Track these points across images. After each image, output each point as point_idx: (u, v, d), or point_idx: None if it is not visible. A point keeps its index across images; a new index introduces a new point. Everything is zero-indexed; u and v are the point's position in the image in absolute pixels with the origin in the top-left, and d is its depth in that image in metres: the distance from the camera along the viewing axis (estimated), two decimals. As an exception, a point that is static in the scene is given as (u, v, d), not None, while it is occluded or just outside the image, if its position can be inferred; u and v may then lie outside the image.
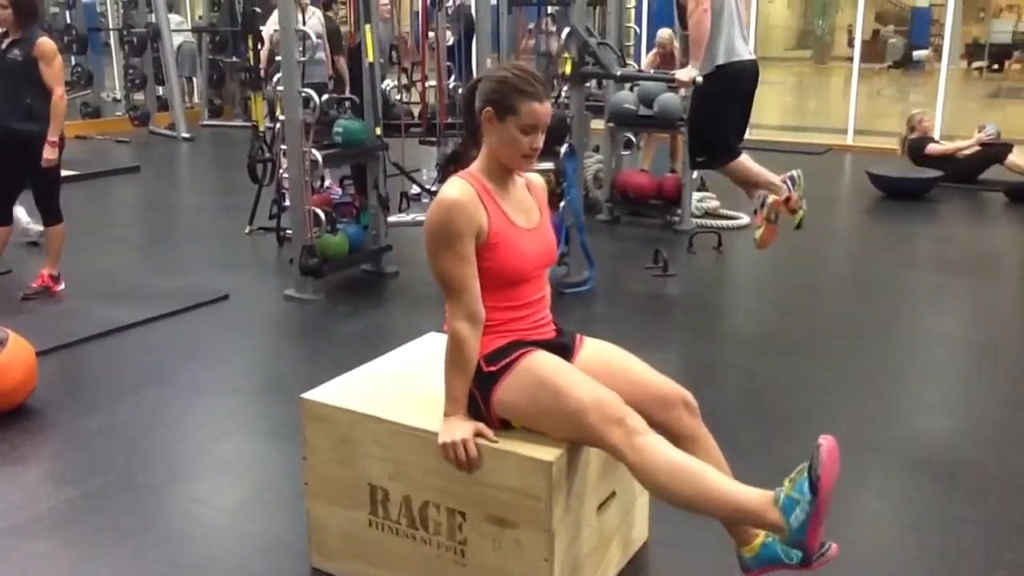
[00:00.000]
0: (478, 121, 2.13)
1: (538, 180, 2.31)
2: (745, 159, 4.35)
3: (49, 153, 4.48)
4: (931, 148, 7.71)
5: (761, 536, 2.14)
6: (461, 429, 2.06)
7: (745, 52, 4.37)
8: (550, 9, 6.18)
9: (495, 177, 2.14)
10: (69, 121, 9.78)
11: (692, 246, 5.81)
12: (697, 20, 4.15)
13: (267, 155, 6.12)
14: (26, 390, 3.42)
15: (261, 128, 6.19)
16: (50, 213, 4.75)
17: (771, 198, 4.18)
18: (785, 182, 4.19)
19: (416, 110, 6.09)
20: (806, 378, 3.78)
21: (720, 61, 4.30)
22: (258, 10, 6.62)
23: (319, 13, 6.81)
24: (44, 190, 4.71)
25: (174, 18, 12.41)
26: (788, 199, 4.18)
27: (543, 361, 2.09)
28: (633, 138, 7.07)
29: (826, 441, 1.93)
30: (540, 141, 2.09)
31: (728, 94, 4.37)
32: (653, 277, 5.21)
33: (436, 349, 2.30)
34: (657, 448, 1.97)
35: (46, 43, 4.48)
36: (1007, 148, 7.56)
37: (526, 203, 2.21)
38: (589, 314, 4.64)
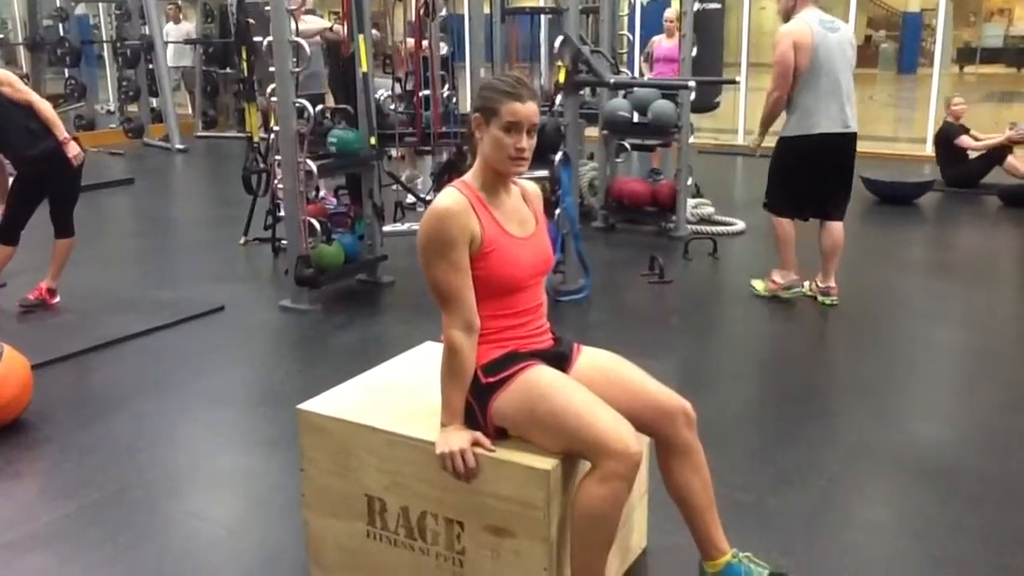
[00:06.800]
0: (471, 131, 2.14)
1: (533, 189, 2.30)
2: (791, 233, 4.56)
3: (73, 149, 4.55)
4: (962, 141, 7.65)
5: (727, 555, 2.19)
6: (458, 439, 2.05)
7: (827, 124, 4.28)
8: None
9: (488, 186, 2.14)
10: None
11: (687, 252, 5.82)
12: (773, 103, 4.36)
13: (262, 166, 6.12)
14: (21, 404, 3.40)
15: (256, 139, 6.19)
16: (65, 226, 4.81)
17: (804, 287, 4.61)
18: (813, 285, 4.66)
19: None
20: (803, 384, 3.77)
21: (789, 133, 4.37)
22: (252, 21, 6.62)
23: (319, 23, 6.80)
24: (64, 203, 4.77)
25: (185, 26, 12.33)
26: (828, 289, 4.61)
27: (543, 376, 2.09)
28: (628, 146, 7.07)
29: None
30: (525, 142, 2.07)
31: (795, 165, 4.44)
32: (649, 284, 5.21)
33: (432, 358, 2.29)
34: (617, 501, 1.97)
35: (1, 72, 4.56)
36: (1007, 150, 7.57)
37: (521, 212, 2.20)
38: (585, 322, 4.63)
